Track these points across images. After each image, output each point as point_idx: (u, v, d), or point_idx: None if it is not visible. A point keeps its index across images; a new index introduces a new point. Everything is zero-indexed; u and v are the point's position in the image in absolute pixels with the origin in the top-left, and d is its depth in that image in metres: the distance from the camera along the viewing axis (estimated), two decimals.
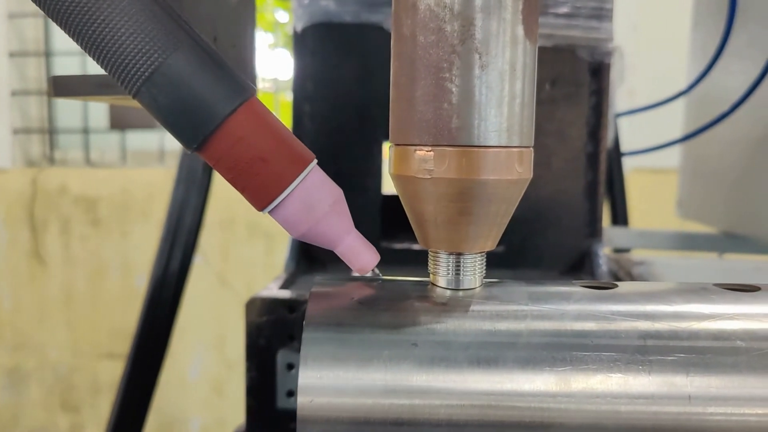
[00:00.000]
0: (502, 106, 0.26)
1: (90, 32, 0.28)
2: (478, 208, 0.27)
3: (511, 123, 0.27)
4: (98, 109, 2.29)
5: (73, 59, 2.21)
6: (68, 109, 2.29)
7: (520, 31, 0.26)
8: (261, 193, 0.29)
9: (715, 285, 0.28)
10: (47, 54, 2.25)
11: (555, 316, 0.26)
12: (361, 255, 0.30)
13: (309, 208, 0.29)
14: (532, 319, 0.26)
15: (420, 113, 0.27)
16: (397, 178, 0.28)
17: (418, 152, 0.27)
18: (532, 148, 0.28)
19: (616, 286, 0.28)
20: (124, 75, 0.28)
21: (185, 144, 0.29)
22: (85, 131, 2.26)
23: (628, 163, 1.86)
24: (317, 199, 0.29)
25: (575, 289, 0.27)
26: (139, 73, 0.27)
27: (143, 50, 0.27)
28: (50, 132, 2.31)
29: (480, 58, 0.26)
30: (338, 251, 0.30)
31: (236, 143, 0.28)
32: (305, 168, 0.28)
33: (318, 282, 0.29)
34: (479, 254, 0.29)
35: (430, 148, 0.27)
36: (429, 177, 0.27)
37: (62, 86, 0.44)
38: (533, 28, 0.27)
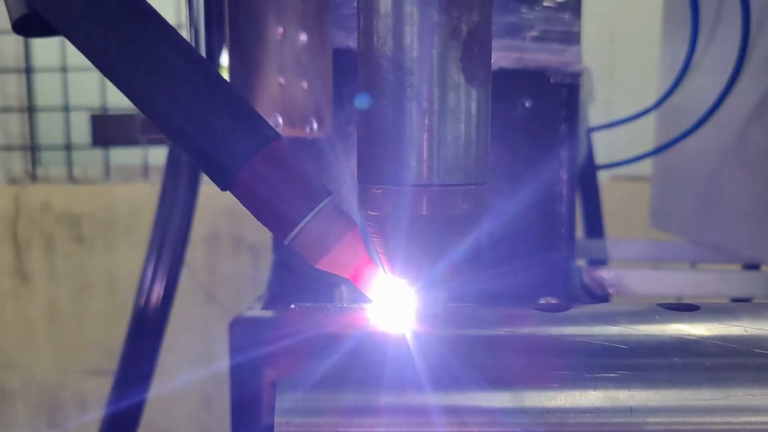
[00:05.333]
0: (442, 148, 0.29)
1: (116, 79, 0.32)
2: (429, 242, 0.29)
3: (454, 163, 0.29)
4: (80, 125, 2.29)
5: (53, 76, 2.21)
6: (50, 126, 2.29)
7: (459, 77, 0.29)
8: (278, 227, 0.33)
9: (659, 305, 0.30)
10: (28, 70, 2.25)
11: (509, 338, 0.28)
12: (370, 284, 0.33)
13: (320, 241, 0.32)
14: (488, 342, 0.28)
15: (372, 155, 0.30)
16: (361, 214, 0.31)
17: (373, 191, 0.30)
18: (480, 185, 0.30)
19: (569, 308, 0.30)
20: (157, 122, 0.32)
21: (217, 185, 0.33)
22: (68, 147, 2.26)
23: (605, 172, 1.90)
24: (327, 233, 0.32)
25: (529, 312, 0.30)
26: (168, 123, 0.32)
27: (168, 105, 0.31)
28: (32, 149, 2.31)
29: (418, 105, 0.28)
30: (352, 279, 0.33)
31: (255, 184, 0.32)
32: (317, 205, 0.32)
33: (292, 309, 0.32)
34: (442, 281, 0.31)
35: (380, 187, 0.30)
36: (378, 213, 0.30)
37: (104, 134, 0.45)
38: (477, 72, 0.29)
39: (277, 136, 0.33)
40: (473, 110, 0.29)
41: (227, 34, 0.47)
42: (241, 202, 0.33)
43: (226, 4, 0.47)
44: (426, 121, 0.29)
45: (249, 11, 0.47)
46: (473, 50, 0.29)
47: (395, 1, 0.29)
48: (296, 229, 0.32)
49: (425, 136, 0.29)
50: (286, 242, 0.33)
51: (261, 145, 0.32)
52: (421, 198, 0.29)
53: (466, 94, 0.29)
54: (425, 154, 0.29)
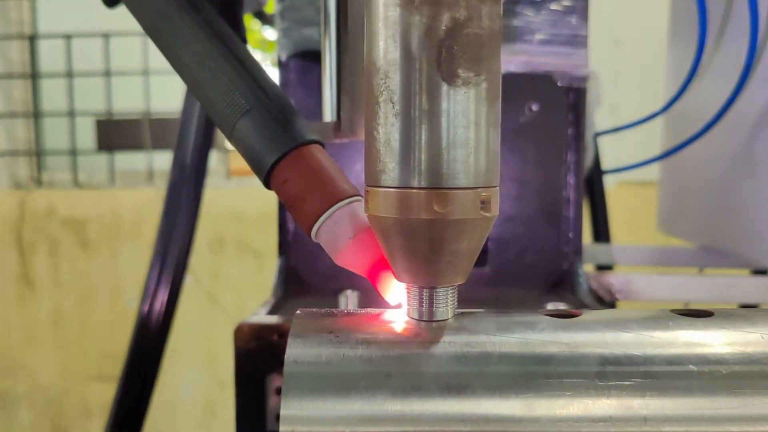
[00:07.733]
0: (419, 151, 0.28)
1: (192, 89, 0.39)
2: (418, 245, 0.29)
3: (430, 165, 0.28)
4: (85, 131, 2.30)
5: (59, 81, 2.22)
6: (55, 131, 2.30)
7: (436, 79, 0.28)
8: (302, 223, 0.36)
9: (672, 311, 0.29)
10: (33, 76, 2.26)
11: (521, 345, 0.28)
12: (384, 283, 0.35)
13: (333, 240, 0.35)
14: (499, 348, 0.28)
15: (366, 157, 0.30)
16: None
17: (366, 191, 0.30)
18: (463, 190, 0.29)
19: (580, 314, 0.30)
20: (219, 127, 0.38)
21: (261, 181, 0.37)
22: (73, 153, 2.27)
23: (612, 177, 1.89)
24: (339, 233, 0.35)
25: (540, 318, 0.29)
26: (225, 128, 0.37)
27: (225, 113, 0.37)
28: (37, 154, 2.31)
29: (394, 107, 0.28)
30: (367, 278, 0.35)
31: (282, 185, 0.36)
32: (333, 206, 0.35)
33: (298, 315, 0.31)
34: (450, 287, 0.30)
35: (368, 188, 0.30)
36: (368, 214, 0.30)
37: None
38: (458, 72, 0.28)
39: (307, 140, 0.36)
40: (453, 111, 0.28)
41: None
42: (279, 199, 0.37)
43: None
44: (398, 122, 0.28)
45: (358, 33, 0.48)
46: (453, 49, 0.27)
47: (372, 5, 0.29)
48: (315, 227, 0.35)
49: (398, 137, 0.28)
50: (313, 239, 0.36)
51: (287, 151, 0.36)
52: (395, 200, 0.29)
53: (444, 95, 0.28)
54: (398, 156, 0.28)
